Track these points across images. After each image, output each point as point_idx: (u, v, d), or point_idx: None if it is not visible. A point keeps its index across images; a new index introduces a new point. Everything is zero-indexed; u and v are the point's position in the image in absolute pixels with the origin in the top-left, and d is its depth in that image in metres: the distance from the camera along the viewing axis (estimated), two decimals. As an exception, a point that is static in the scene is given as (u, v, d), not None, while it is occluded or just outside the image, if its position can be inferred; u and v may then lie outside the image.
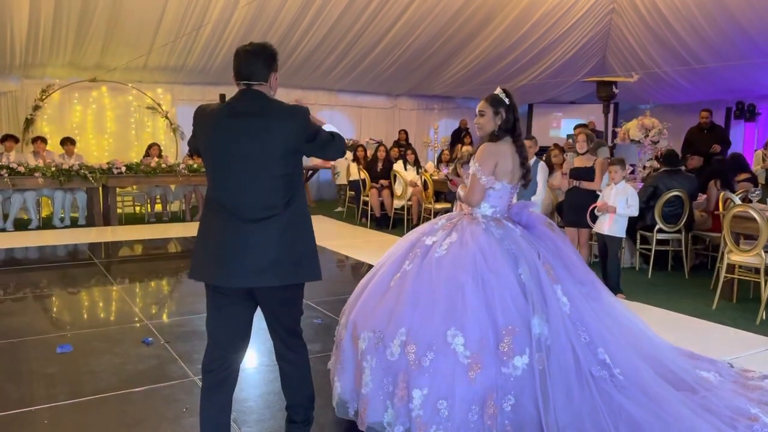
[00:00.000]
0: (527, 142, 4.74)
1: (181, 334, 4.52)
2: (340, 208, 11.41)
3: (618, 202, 5.66)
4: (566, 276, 2.97)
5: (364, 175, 9.97)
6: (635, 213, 5.76)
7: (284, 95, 12.91)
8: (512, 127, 3.23)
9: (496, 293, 2.78)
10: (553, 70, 12.92)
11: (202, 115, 2.60)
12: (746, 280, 5.65)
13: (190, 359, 4.00)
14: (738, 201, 6.13)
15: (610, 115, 10.57)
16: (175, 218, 10.32)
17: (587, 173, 6.13)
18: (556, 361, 2.70)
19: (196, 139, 2.64)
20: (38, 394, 3.50)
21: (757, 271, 5.39)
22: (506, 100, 3.23)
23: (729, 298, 5.64)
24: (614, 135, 9.03)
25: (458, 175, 3.75)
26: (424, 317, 2.79)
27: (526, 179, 3.29)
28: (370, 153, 10.84)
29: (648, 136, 7.51)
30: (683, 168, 7.21)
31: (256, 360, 4.03)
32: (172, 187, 10.28)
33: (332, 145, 2.61)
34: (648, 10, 10.88)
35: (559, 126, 14.78)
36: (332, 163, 10.96)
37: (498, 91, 3.30)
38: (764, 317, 5.03)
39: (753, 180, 7.57)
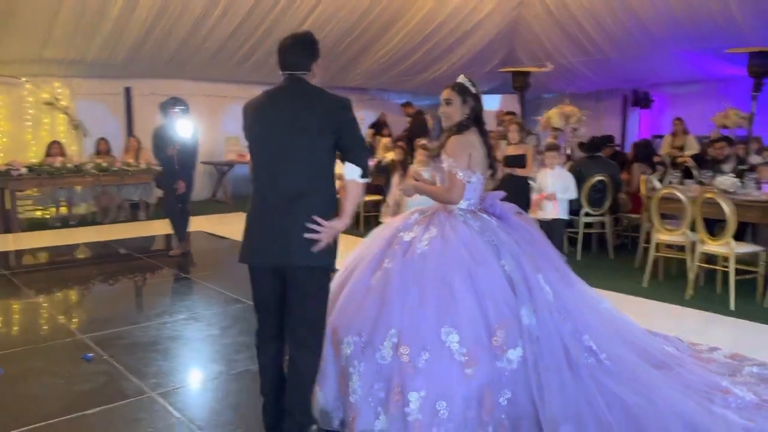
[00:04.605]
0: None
1: (124, 346, 4.19)
2: (260, 204, 11.06)
3: (557, 187, 5.88)
4: (545, 264, 2.97)
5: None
6: (574, 195, 6.00)
7: (195, 88, 12.06)
8: (477, 116, 3.21)
9: (484, 286, 2.74)
10: (465, 61, 13.11)
11: (246, 108, 2.71)
12: (668, 258, 5.99)
13: (141, 373, 3.72)
14: (657, 184, 6.49)
15: (519, 105, 10.94)
16: (83, 222, 9.61)
17: (520, 160, 6.31)
18: (548, 351, 2.70)
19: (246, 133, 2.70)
20: (-26, 426, 3.13)
21: (680, 248, 5.74)
22: (472, 89, 3.18)
23: (655, 276, 5.97)
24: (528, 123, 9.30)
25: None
26: (414, 316, 2.71)
27: (494, 169, 3.31)
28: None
29: (569, 123, 7.81)
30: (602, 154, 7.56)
31: (212, 374, 3.82)
32: (78, 188, 9.57)
33: (365, 149, 2.67)
34: (554, 3, 11.29)
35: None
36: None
37: (462, 79, 3.23)
38: (692, 293, 5.37)
39: (662, 163, 8.08)
